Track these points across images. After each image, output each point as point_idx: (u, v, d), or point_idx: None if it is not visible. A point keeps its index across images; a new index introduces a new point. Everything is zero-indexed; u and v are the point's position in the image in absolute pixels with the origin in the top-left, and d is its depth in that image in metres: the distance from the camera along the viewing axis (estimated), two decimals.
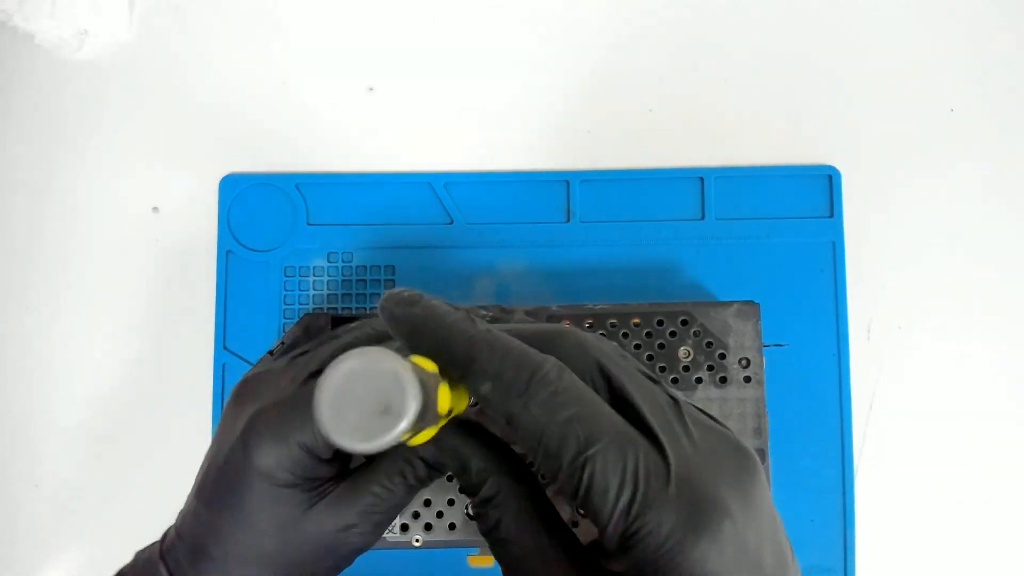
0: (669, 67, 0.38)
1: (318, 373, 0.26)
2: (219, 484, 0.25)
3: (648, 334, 0.32)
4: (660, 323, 0.32)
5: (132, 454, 0.36)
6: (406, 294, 0.21)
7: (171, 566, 0.25)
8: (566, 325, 0.23)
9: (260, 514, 0.25)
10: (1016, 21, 0.38)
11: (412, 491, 0.26)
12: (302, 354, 0.28)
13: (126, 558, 0.36)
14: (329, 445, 0.24)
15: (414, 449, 0.25)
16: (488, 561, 0.34)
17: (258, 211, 0.37)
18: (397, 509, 0.26)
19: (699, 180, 0.37)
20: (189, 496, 0.26)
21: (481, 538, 0.31)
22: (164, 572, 0.25)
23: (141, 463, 0.36)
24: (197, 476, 0.26)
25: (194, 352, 0.36)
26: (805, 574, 0.34)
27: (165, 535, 0.27)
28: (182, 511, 0.26)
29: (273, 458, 0.24)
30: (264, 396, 0.26)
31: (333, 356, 0.25)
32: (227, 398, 0.27)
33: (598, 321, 0.32)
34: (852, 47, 0.38)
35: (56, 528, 0.36)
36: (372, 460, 0.26)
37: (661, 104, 0.38)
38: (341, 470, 0.26)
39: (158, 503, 0.36)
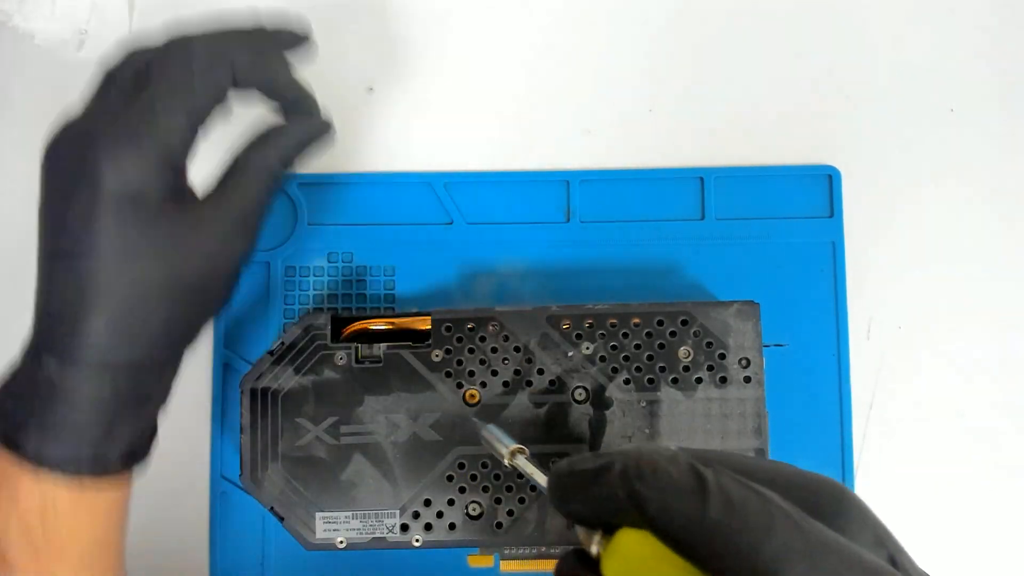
0: (669, 67, 0.38)
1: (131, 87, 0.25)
2: (64, 221, 0.23)
3: (648, 334, 0.32)
4: (660, 323, 0.32)
5: None
6: (675, 472, 0.16)
7: (58, 352, 0.24)
8: (840, 484, 0.18)
9: (118, 243, 0.23)
10: (1016, 21, 0.38)
11: (270, 187, 0.26)
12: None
13: (125, 557, 0.36)
14: (181, 148, 0.24)
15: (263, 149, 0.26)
16: (488, 561, 0.34)
17: None
18: (260, 214, 0.26)
19: (699, 180, 0.37)
20: (39, 274, 0.25)
21: (481, 538, 0.31)
22: (51, 360, 0.24)
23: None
24: (40, 250, 0.25)
25: (194, 352, 0.36)
26: None
27: (31, 332, 0.25)
28: (39, 292, 0.24)
29: (130, 170, 0.23)
30: (96, 121, 0.25)
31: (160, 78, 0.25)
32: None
33: (598, 321, 0.32)
34: (852, 47, 0.38)
35: None
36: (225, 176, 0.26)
37: (661, 104, 0.38)
38: (190, 184, 0.25)
39: (158, 503, 0.36)
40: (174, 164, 0.24)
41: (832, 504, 0.18)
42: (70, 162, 0.24)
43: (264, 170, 0.26)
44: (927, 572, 0.19)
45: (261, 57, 0.27)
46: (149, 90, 0.24)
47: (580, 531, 0.19)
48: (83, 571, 0.25)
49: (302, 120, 0.29)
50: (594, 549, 0.18)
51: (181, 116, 0.24)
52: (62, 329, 0.24)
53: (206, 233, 0.24)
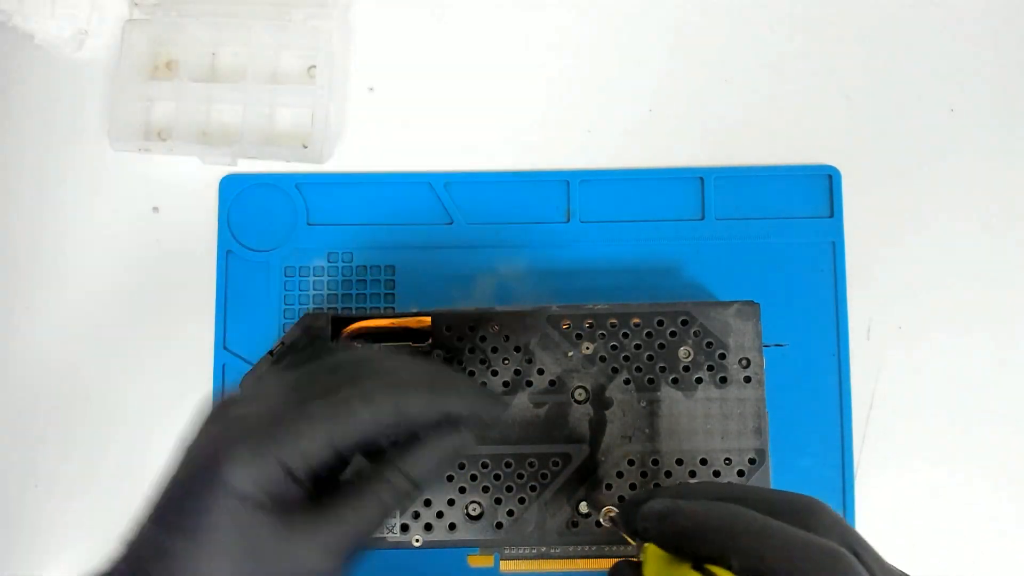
0: (669, 67, 0.38)
1: (306, 382, 0.24)
2: (180, 502, 0.23)
3: (648, 334, 0.32)
4: (660, 323, 0.32)
5: (132, 454, 0.36)
6: (657, 506, 0.22)
7: None
8: (813, 499, 0.22)
9: (225, 539, 0.22)
10: (1016, 21, 0.38)
11: (390, 512, 0.25)
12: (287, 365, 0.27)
13: None
14: (311, 465, 0.23)
15: (399, 465, 0.24)
16: (488, 561, 0.34)
17: (258, 211, 0.37)
18: (373, 533, 0.25)
19: (699, 180, 0.37)
20: (138, 520, 0.24)
21: (481, 538, 0.31)
22: None
23: (141, 463, 0.36)
24: (151, 497, 0.24)
25: (194, 352, 0.36)
26: None
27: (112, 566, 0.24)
28: (128, 539, 0.24)
29: (248, 474, 0.22)
30: (244, 405, 0.24)
31: (317, 371, 0.24)
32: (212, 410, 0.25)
33: (598, 321, 0.32)
34: (852, 47, 0.38)
35: (56, 528, 0.36)
36: (347, 482, 0.24)
37: (661, 104, 0.38)
38: (311, 493, 0.24)
39: None
40: (307, 476, 0.23)
41: (803, 512, 0.21)
42: (209, 435, 0.24)
43: (391, 492, 0.24)
44: (897, 568, 0.21)
45: (435, 416, 0.25)
46: (303, 408, 0.23)
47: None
48: None
49: (444, 439, 0.25)
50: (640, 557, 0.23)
51: (321, 445, 0.23)
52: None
53: (297, 554, 0.23)
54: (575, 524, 0.31)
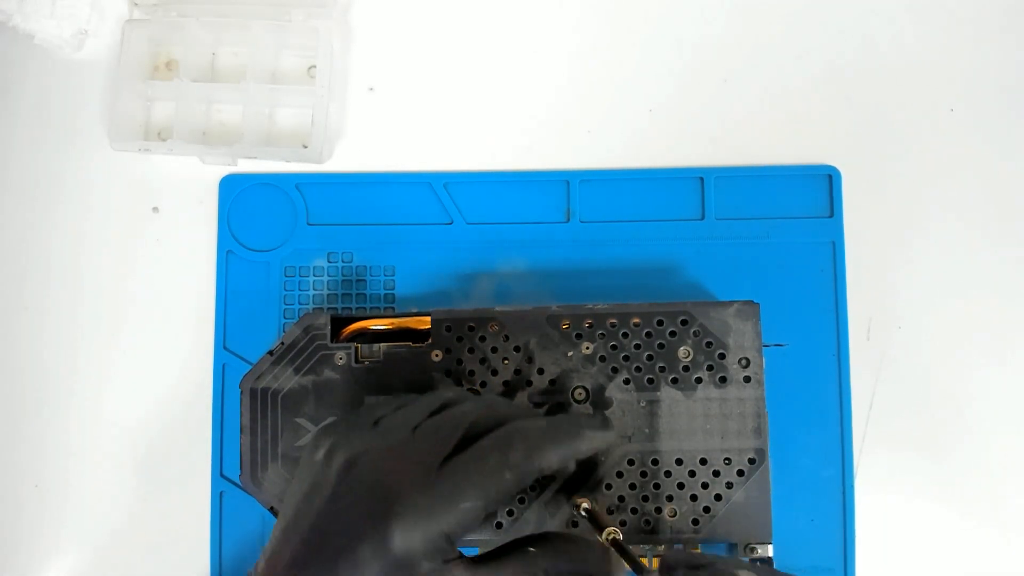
0: (669, 67, 0.38)
1: (446, 451, 0.25)
2: (338, 567, 0.24)
3: (648, 334, 0.32)
4: (660, 323, 0.32)
5: (132, 454, 0.36)
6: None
7: None
8: None
9: None
10: (1016, 21, 0.38)
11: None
12: (401, 409, 0.27)
13: (125, 557, 0.36)
14: (458, 535, 0.24)
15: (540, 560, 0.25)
16: None
17: (258, 211, 0.37)
18: None
19: (699, 180, 0.37)
20: (275, 562, 0.25)
21: (481, 538, 0.31)
22: None
23: (141, 463, 0.36)
24: (287, 543, 0.25)
25: (194, 352, 0.36)
26: (805, 574, 0.34)
27: None
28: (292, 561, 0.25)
29: (418, 546, 0.23)
30: (395, 477, 0.25)
31: (460, 427, 0.26)
32: (336, 462, 0.26)
33: (598, 321, 0.32)
34: (852, 47, 0.38)
35: (56, 528, 0.36)
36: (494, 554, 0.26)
37: (661, 104, 0.38)
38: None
39: (158, 503, 0.36)
40: (453, 540, 0.24)
41: None
42: (366, 500, 0.24)
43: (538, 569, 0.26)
44: None
45: (565, 458, 0.27)
46: (464, 474, 0.25)
47: None
48: None
49: (586, 549, 0.27)
50: None
51: (482, 508, 0.25)
52: None
53: None
54: (575, 524, 0.31)
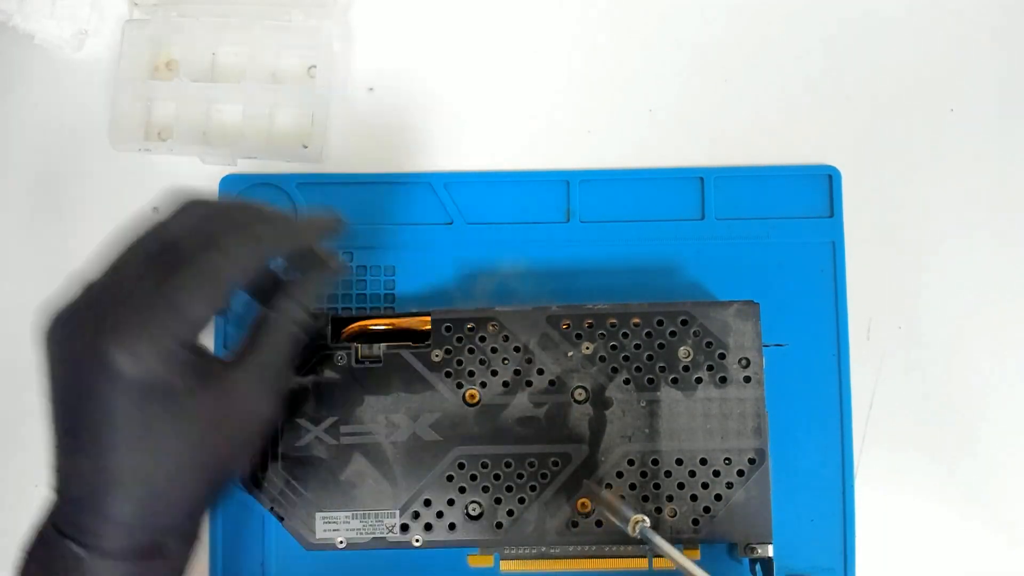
0: (669, 67, 0.38)
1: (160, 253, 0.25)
2: (75, 408, 0.23)
3: (648, 334, 0.32)
4: (660, 323, 0.32)
5: None
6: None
7: (81, 537, 0.23)
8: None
9: (132, 432, 0.23)
10: (1016, 21, 0.38)
11: (298, 342, 0.27)
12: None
13: None
14: (200, 329, 0.23)
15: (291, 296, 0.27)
16: (488, 561, 0.34)
17: None
18: (291, 365, 0.27)
19: (699, 180, 0.37)
20: (55, 451, 0.24)
21: (481, 538, 0.31)
22: (75, 547, 0.23)
23: None
24: (53, 425, 0.24)
25: None
26: (805, 574, 0.34)
27: (52, 507, 0.25)
28: (58, 469, 0.24)
29: (140, 358, 0.22)
30: (106, 287, 0.24)
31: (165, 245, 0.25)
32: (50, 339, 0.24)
33: (598, 321, 0.32)
34: (852, 47, 0.38)
35: None
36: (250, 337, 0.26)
37: (661, 104, 0.38)
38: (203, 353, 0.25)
39: None
40: (192, 345, 0.24)
41: None
42: (83, 348, 0.23)
43: (289, 324, 0.27)
44: None
45: (292, 249, 0.28)
46: (174, 279, 0.24)
47: None
48: None
49: (319, 271, 0.29)
50: None
51: (204, 307, 0.24)
52: (86, 518, 0.23)
53: (233, 402, 0.24)
54: (575, 524, 0.31)
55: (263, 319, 0.27)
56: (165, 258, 0.24)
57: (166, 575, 0.26)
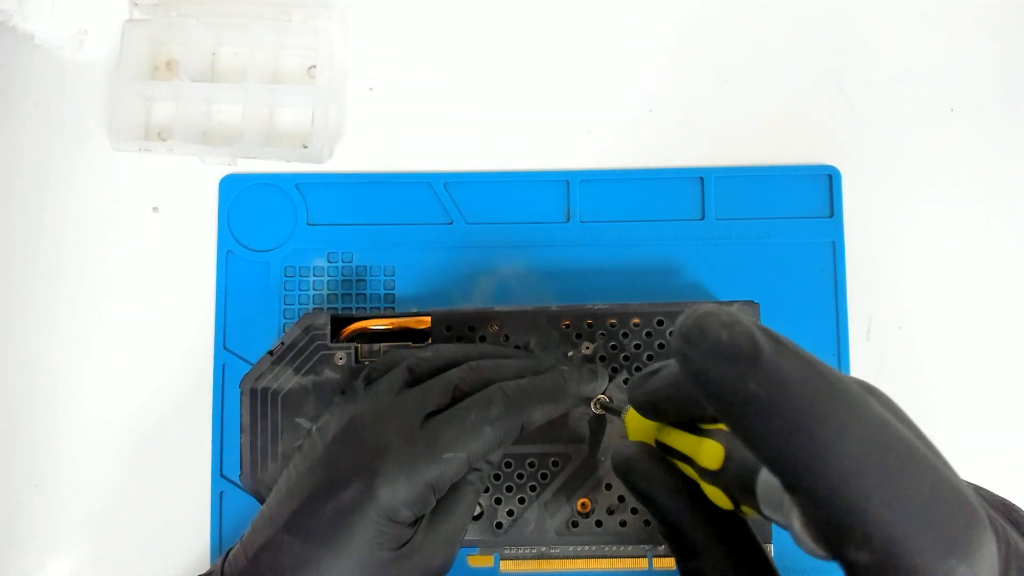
0: (669, 67, 0.38)
1: (429, 409, 0.27)
2: (326, 518, 0.25)
3: (648, 334, 0.32)
4: (660, 323, 0.32)
5: (132, 454, 0.36)
6: (634, 379, 0.22)
7: None
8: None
9: (366, 551, 0.24)
10: (1016, 21, 0.38)
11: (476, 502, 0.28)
12: (380, 374, 0.29)
13: (125, 558, 0.36)
14: (441, 486, 0.25)
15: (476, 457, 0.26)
16: (488, 561, 0.34)
17: (258, 211, 0.37)
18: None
19: (699, 180, 0.37)
20: (263, 527, 0.26)
21: (481, 538, 0.31)
22: None
23: (141, 463, 0.36)
24: (278, 506, 0.26)
25: (194, 352, 0.36)
26: (805, 574, 0.34)
27: (228, 564, 0.26)
28: (253, 543, 0.25)
29: (402, 495, 0.24)
30: (381, 433, 0.26)
31: (445, 390, 0.27)
32: (330, 432, 0.27)
33: (598, 321, 0.32)
34: (852, 47, 0.38)
35: (56, 528, 0.36)
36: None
37: (661, 104, 0.38)
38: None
39: (158, 503, 0.36)
40: (437, 490, 0.26)
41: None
42: (352, 455, 0.26)
43: (481, 486, 0.28)
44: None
45: (549, 414, 0.28)
46: (446, 429, 0.26)
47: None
48: None
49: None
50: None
51: (464, 461, 0.26)
52: None
53: (437, 547, 0.26)
54: (575, 524, 0.31)
55: (463, 484, 0.27)
56: (451, 408, 0.27)
57: None
